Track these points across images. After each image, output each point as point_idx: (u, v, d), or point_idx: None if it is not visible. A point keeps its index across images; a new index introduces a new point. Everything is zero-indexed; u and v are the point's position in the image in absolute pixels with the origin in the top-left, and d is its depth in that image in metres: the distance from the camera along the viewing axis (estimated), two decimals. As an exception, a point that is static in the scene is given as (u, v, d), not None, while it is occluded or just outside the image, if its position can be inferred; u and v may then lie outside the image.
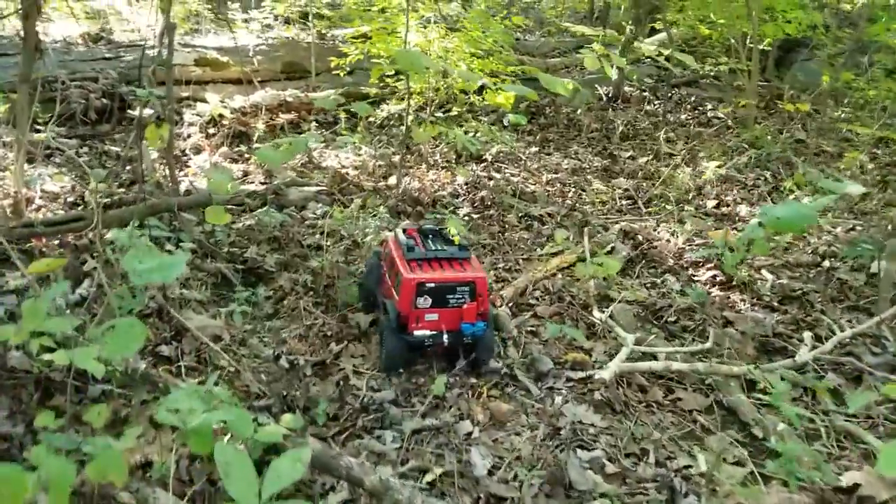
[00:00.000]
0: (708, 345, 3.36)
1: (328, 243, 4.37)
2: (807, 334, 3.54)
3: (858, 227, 5.06)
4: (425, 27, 6.60)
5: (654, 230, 5.17)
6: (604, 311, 3.82)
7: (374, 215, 4.86)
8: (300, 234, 4.69)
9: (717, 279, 4.39)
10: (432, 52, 6.70)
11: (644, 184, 6.26)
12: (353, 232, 4.44)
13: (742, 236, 3.24)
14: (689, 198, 5.90)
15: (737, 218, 5.47)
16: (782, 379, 3.14)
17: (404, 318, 3.22)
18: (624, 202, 5.82)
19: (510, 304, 4.00)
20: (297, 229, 4.80)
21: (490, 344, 3.34)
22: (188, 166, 6.19)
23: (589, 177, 6.52)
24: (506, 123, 8.31)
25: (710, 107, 9.07)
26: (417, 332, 3.23)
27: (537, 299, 4.11)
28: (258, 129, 6.78)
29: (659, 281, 4.35)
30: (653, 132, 8.07)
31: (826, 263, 4.62)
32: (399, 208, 5.37)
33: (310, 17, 9.10)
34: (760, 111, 8.33)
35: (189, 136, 6.61)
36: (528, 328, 3.80)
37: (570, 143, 7.74)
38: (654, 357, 3.35)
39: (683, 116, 8.70)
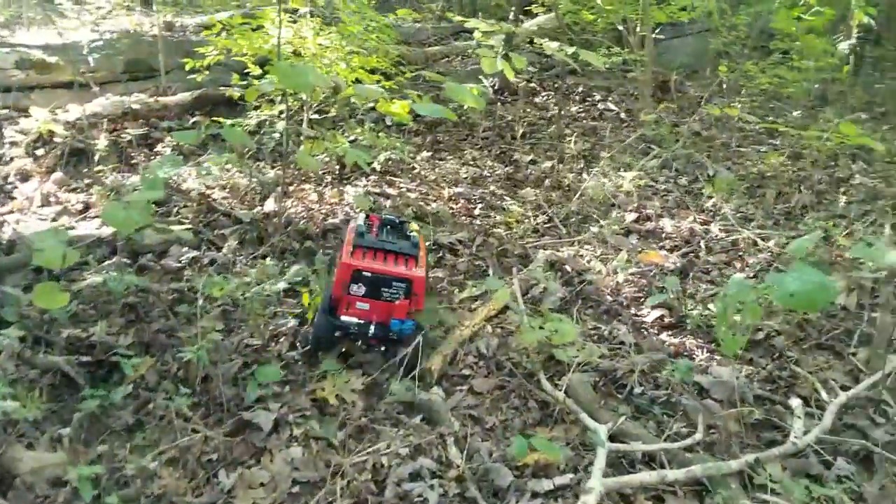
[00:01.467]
0: (698, 436, 2.77)
1: (202, 307, 3.46)
2: (795, 402, 3.03)
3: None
4: (295, 21, 5.69)
5: (582, 256, 4.59)
6: (557, 384, 3.17)
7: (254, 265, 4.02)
8: (164, 296, 3.75)
9: (666, 321, 3.86)
10: (306, 49, 5.81)
11: (554, 195, 5.68)
12: (231, 290, 3.55)
13: (727, 299, 2.67)
14: (607, 209, 5.39)
15: (663, 234, 4.98)
16: (784, 469, 2.63)
17: (335, 300, 3.24)
18: (539, 220, 5.21)
19: (441, 379, 3.28)
20: (160, 287, 3.85)
21: (418, 354, 3.18)
22: (12, 198, 5.03)
23: (493, 187, 5.87)
24: (389, 122, 7.53)
25: (598, 97, 8.65)
26: (345, 318, 3.22)
27: (471, 367, 3.40)
28: (99, 147, 5.65)
29: (605, 330, 3.75)
30: (547, 128, 7.53)
31: (774, 290, 4.19)
32: (283, 245, 4.51)
33: (153, 3, 7.86)
34: (653, 101, 7.96)
35: (11, 158, 5.41)
36: (468, 411, 3.10)
37: (464, 144, 7.06)
38: (632, 464, 2.73)
39: (574, 109, 8.22)
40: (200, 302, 3.38)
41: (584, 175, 6.15)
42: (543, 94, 8.64)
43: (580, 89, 8.81)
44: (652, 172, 6.18)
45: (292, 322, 3.60)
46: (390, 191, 5.64)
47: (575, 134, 7.29)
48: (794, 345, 3.64)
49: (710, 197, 5.58)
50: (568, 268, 4.37)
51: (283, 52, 5.82)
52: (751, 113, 7.93)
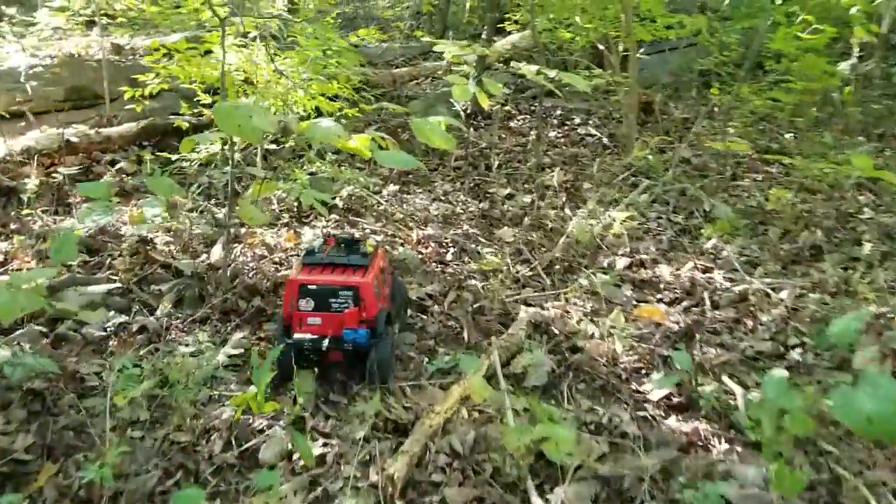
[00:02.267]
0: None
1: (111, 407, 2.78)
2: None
3: (824, 301, 4.08)
4: (246, 46, 5.05)
5: (570, 314, 3.97)
6: (548, 500, 2.54)
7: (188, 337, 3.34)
8: (79, 381, 3.08)
9: (674, 400, 3.24)
10: (259, 77, 5.17)
11: (535, 235, 5.07)
12: (146, 389, 2.89)
13: (766, 405, 2.08)
14: (595, 252, 4.78)
15: (660, 284, 4.39)
16: None
17: (286, 319, 3.23)
18: (520, 267, 4.58)
19: (405, 489, 2.63)
20: (75, 367, 3.18)
21: (382, 364, 3.15)
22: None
23: (466, 226, 5.25)
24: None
25: (577, 121, 8.09)
26: (297, 335, 3.17)
27: (443, 470, 2.75)
28: (29, 187, 4.98)
29: (603, 415, 3.12)
30: (524, 156, 6.94)
31: (795, 356, 3.60)
32: (228, 304, 3.85)
33: (97, 23, 7.16)
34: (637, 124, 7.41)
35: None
36: (440, 535, 2.46)
37: (434, 175, 6.44)
38: None
39: (553, 134, 7.65)
40: (109, 402, 2.71)
41: (567, 210, 5.55)
42: (519, 117, 8.07)
43: (558, 112, 8.24)
44: (642, 207, 5.60)
45: (227, 413, 2.94)
46: (353, 232, 5.00)
47: (555, 163, 6.71)
48: (830, 434, 3.04)
49: (709, 238, 5.00)
50: (555, 330, 3.74)
51: (233, 80, 5.19)
52: (741, 136, 7.43)
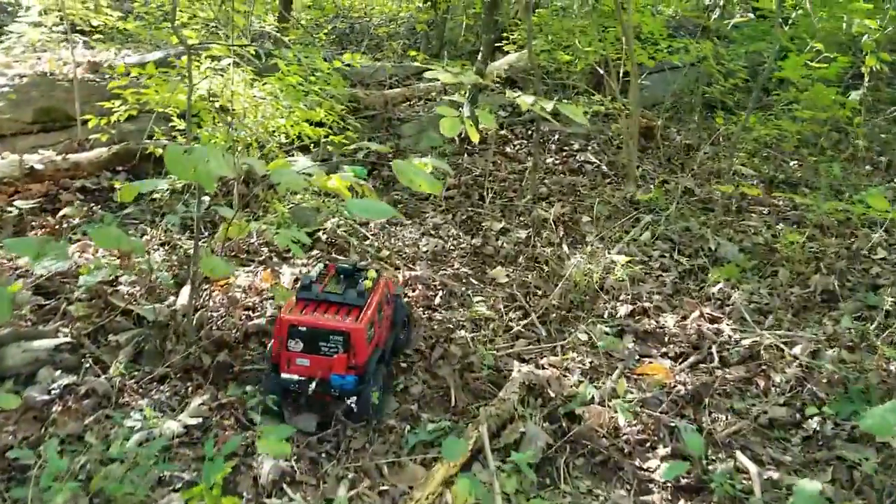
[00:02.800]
0: None
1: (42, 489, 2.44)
2: None
3: (842, 359, 3.75)
4: (222, 74, 4.73)
5: (567, 373, 3.64)
6: None
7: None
8: (8, 462, 2.74)
9: (682, 481, 2.92)
10: (236, 103, 4.86)
11: (530, 276, 4.74)
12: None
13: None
14: (593, 296, 4.46)
15: (665, 335, 4.06)
16: None
17: (275, 357, 3.15)
18: (513, 315, 4.26)
19: None
20: (9, 441, 2.84)
21: (364, 409, 3.11)
22: None
23: (457, 264, 4.93)
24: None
25: (576, 146, 7.77)
26: (285, 375, 3.11)
27: (422, 573, 2.44)
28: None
29: (605, 500, 2.79)
30: (520, 185, 6.63)
31: (813, 425, 3.28)
32: (191, 361, 3.52)
33: (69, 39, 6.83)
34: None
35: None
36: None
37: (425, 205, 6.11)
38: None
39: (550, 160, 7.33)
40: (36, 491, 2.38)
41: (565, 247, 5.23)
42: (516, 142, 7.75)
43: (556, 137, 7.92)
44: (644, 245, 5.29)
45: (177, 504, 2.60)
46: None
47: (552, 193, 6.40)
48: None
49: (715, 282, 4.69)
50: (551, 393, 3.42)
51: (204, 107, 4.87)
52: (745, 165, 7.13)
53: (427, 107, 8.20)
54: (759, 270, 5.00)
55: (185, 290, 4.16)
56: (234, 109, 4.85)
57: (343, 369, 3.03)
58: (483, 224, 5.62)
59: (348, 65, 5.07)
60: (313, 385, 3.03)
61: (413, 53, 8.36)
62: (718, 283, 4.67)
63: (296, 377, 3.08)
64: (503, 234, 5.52)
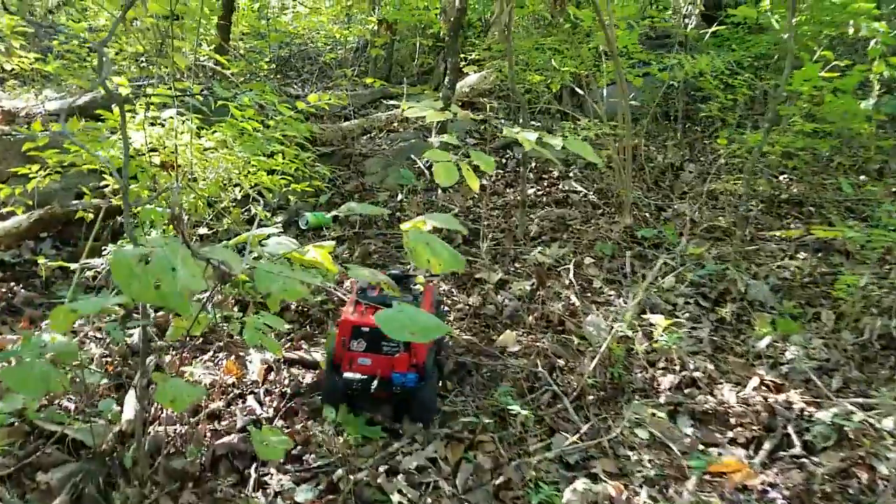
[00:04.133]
0: None
1: None
2: None
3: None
4: (162, 125, 3.91)
5: (631, 485, 2.92)
6: None
7: None
8: None
9: None
10: (182, 157, 4.04)
11: (546, 342, 4.02)
12: None
13: None
14: (628, 368, 3.76)
15: (728, 416, 3.37)
16: None
17: (338, 357, 3.24)
18: (543, 399, 3.51)
19: None
20: None
21: (428, 403, 3.24)
22: None
23: (458, 331, 4.18)
24: (303, 226, 5.81)
25: (556, 174, 7.12)
26: (348, 375, 3.16)
27: None
28: None
29: None
30: (506, 222, 5.93)
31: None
32: (145, 506, 2.69)
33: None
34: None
35: None
36: None
37: (403, 255, 5.35)
38: None
39: (532, 191, 6.65)
40: None
41: (574, 298, 4.54)
42: (491, 172, 7.05)
43: (533, 164, 7.26)
44: (665, 290, 4.63)
45: None
46: (309, 357, 3.87)
47: (542, 230, 5.71)
48: None
49: (760, 337, 4.04)
50: (617, 516, 2.69)
51: (141, 164, 4.04)
52: (753, 185, 6.56)
53: (389, 139, 7.44)
54: (800, 311, 4.38)
55: (131, 399, 3.32)
56: (178, 166, 4.03)
57: (405, 367, 3.16)
58: (477, 276, 4.88)
59: (311, 106, 4.28)
60: (375, 383, 3.11)
61: (370, 80, 7.61)
62: (764, 337, 4.02)
63: (358, 376, 3.15)
64: (502, 286, 4.80)
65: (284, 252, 2.64)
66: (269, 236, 2.76)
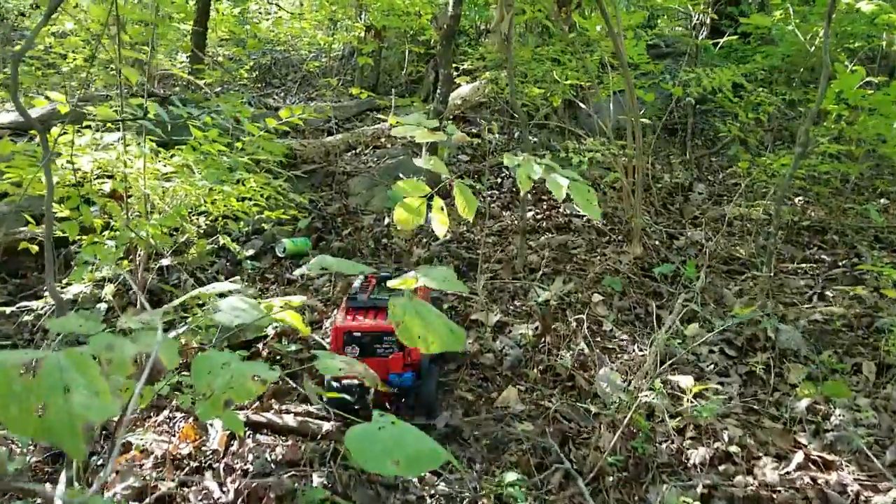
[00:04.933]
0: None
1: None
2: None
3: None
4: (113, 147, 3.35)
5: None
6: None
7: None
8: None
9: None
10: (134, 187, 3.49)
11: (554, 402, 3.49)
12: None
13: None
14: (651, 439, 3.23)
15: (773, 501, 2.85)
16: None
17: None
18: (553, 480, 2.98)
19: None
20: None
21: (429, 399, 3.24)
22: None
23: (453, 391, 3.64)
24: (280, 254, 5.28)
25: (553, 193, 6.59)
26: (346, 381, 3.11)
27: None
28: None
29: None
30: (503, 251, 5.40)
31: None
32: None
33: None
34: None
35: None
36: None
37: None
38: None
39: (531, 214, 6.12)
40: None
41: (583, 345, 4.01)
42: (486, 193, 6.52)
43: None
44: (683, 335, 4.11)
45: None
46: (279, 420, 3.32)
47: (544, 261, 5.18)
48: None
49: (800, 398, 3.52)
50: None
51: (88, 193, 3.48)
52: (750, 207, 6.06)
53: (376, 156, 6.89)
54: (838, 364, 3.87)
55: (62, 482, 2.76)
56: (129, 195, 3.47)
57: (400, 368, 3.17)
58: (473, 317, 4.34)
59: (284, 123, 3.74)
60: (371, 391, 3.09)
61: (356, 91, 7.07)
62: (803, 399, 3.51)
63: (356, 381, 3.09)
64: (501, 329, 4.26)
65: (240, 323, 2.10)
66: (222, 294, 2.24)
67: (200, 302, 4.45)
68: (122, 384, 1.47)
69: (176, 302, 2.27)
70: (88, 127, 3.44)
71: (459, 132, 3.17)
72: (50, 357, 1.34)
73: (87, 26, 5.25)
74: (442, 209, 2.56)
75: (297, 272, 4.58)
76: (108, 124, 3.91)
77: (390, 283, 1.94)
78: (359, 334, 3.18)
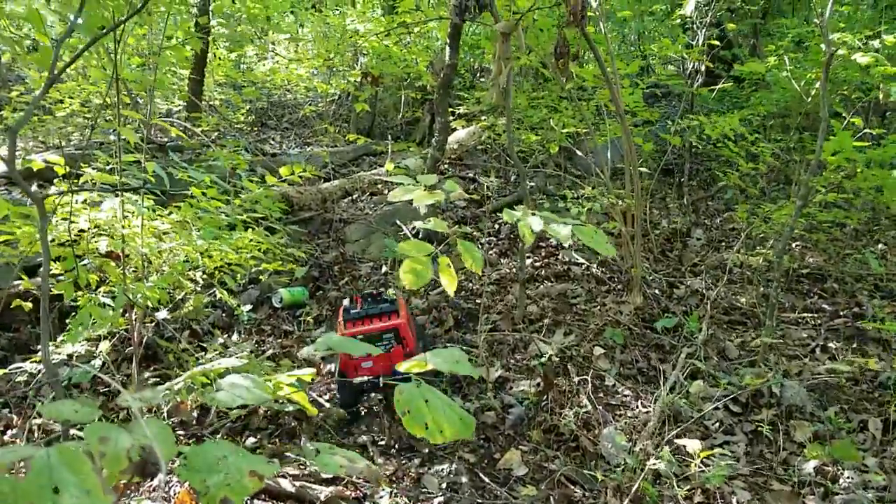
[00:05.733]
0: None
1: None
2: None
3: None
4: (122, 206, 3.31)
5: None
6: None
7: None
8: None
9: None
10: (130, 245, 3.44)
11: (558, 464, 3.42)
12: None
13: None
14: (659, 495, 3.16)
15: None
16: None
17: (344, 367, 3.73)
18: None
19: None
20: None
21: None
22: None
23: (455, 459, 3.57)
24: (277, 304, 5.23)
25: (553, 241, 6.58)
26: (358, 379, 3.64)
27: None
28: None
29: None
30: (503, 301, 5.35)
31: None
32: None
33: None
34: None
35: None
36: None
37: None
38: None
39: (528, 261, 6.09)
40: None
41: (586, 400, 3.95)
42: (483, 240, 6.49)
43: (528, 229, 6.70)
44: (687, 391, 4.05)
45: None
46: (277, 486, 3.24)
47: (543, 311, 5.13)
48: None
49: (808, 459, 3.46)
50: None
51: (84, 251, 3.44)
52: (748, 255, 6.04)
53: (373, 202, 6.87)
54: (845, 422, 3.82)
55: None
56: (126, 256, 3.42)
57: (401, 358, 3.55)
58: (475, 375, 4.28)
59: (283, 180, 3.71)
60: (381, 380, 3.59)
61: (353, 137, 7.07)
62: (811, 460, 3.45)
63: (366, 378, 3.64)
64: (502, 385, 4.20)
65: (242, 404, 2.03)
66: (225, 372, 2.20)
67: (197, 356, 4.39)
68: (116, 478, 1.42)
69: (178, 383, 2.25)
70: (86, 189, 3.40)
71: (458, 190, 3.15)
72: (39, 456, 1.28)
73: (87, 74, 5.24)
74: (449, 267, 2.52)
75: (303, 352, 4.55)
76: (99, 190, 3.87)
77: (401, 367, 1.89)
78: (362, 337, 3.66)
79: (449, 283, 2.52)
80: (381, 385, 3.63)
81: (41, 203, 2.25)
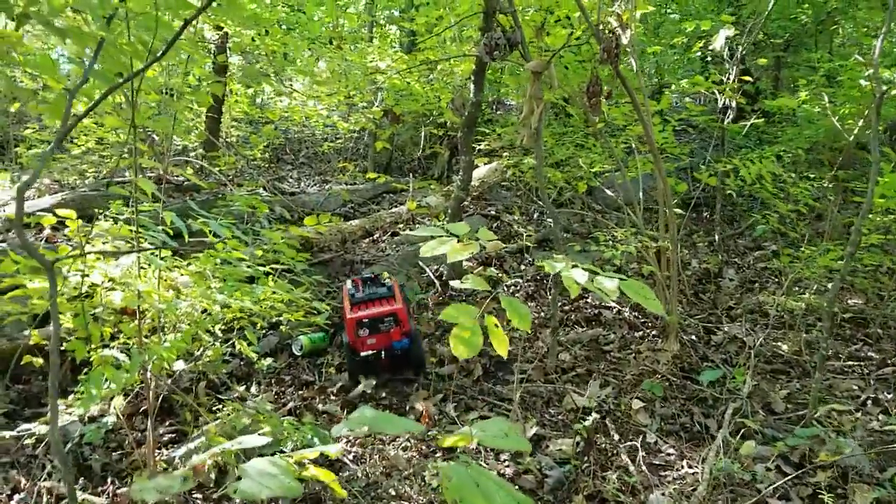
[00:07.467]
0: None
1: None
2: None
3: None
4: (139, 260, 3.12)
5: None
6: None
7: None
8: None
9: None
10: (148, 300, 3.24)
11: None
12: None
13: None
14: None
15: None
16: None
17: (352, 345, 4.47)
18: None
19: None
20: None
21: (419, 358, 4.61)
22: None
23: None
24: (297, 352, 5.02)
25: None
26: (363, 353, 4.47)
27: None
28: None
29: None
30: (533, 347, 5.12)
31: None
32: None
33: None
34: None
35: None
36: None
37: (415, 397, 4.52)
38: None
39: (559, 306, 5.85)
40: None
41: (626, 459, 3.70)
42: (509, 282, 6.27)
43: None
44: (735, 451, 3.79)
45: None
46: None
47: (576, 359, 4.90)
48: None
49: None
50: None
51: (95, 307, 3.25)
52: (788, 297, 5.78)
53: (394, 242, 6.67)
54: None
55: None
56: (142, 312, 3.22)
57: (399, 336, 4.45)
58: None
59: (307, 231, 3.52)
60: (383, 353, 4.46)
61: (373, 176, 6.90)
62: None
63: (371, 352, 4.46)
64: (538, 443, 3.95)
65: (270, 494, 1.82)
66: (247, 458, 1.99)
67: (215, 409, 4.18)
68: None
69: (196, 452, 2.04)
70: (99, 252, 3.22)
71: (494, 239, 2.93)
72: None
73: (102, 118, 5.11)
74: (497, 328, 2.29)
75: (334, 431, 4.31)
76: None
77: (445, 444, 1.68)
78: (367, 320, 4.44)
79: (500, 346, 2.30)
80: (384, 357, 4.44)
81: (51, 269, 2.06)
